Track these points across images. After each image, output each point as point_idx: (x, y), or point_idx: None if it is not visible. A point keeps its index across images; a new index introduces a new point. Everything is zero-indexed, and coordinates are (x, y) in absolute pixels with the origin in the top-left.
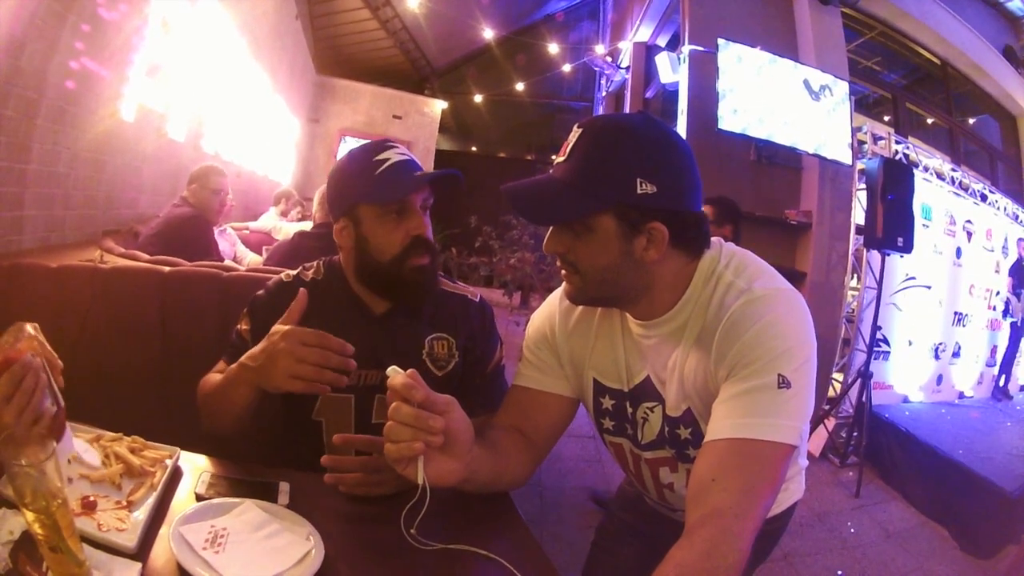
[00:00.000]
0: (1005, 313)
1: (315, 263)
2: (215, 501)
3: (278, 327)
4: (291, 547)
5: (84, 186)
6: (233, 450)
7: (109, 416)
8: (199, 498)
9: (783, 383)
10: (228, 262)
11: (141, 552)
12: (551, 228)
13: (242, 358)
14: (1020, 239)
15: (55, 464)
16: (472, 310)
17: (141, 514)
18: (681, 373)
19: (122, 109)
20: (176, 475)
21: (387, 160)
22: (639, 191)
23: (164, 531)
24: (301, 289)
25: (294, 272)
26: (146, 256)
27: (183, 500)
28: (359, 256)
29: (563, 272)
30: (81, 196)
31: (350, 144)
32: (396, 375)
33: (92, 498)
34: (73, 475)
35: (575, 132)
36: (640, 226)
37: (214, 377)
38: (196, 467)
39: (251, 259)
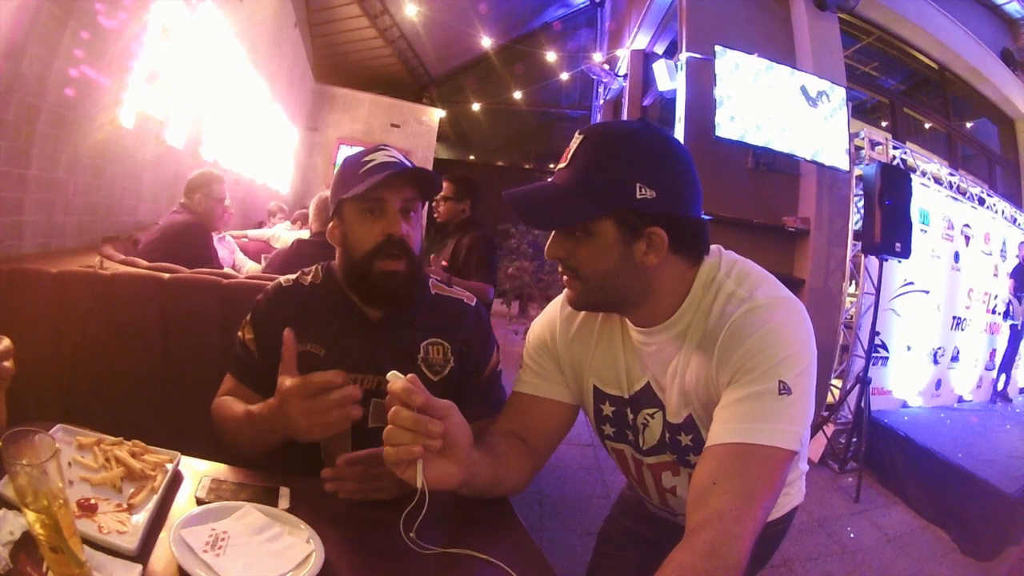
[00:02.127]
0: (1006, 315)
1: (314, 267)
2: (215, 505)
3: (283, 384)
4: (291, 550)
5: (84, 192)
6: (233, 455)
7: (110, 420)
8: (199, 502)
9: (784, 389)
10: (227, 270)
11: (142, 555)
12: (553, 233)
13: (266, 413)
14: (1022, 242)
15: (56, 464)
16: (468, 314)
17: (142, 517)
18: (682, 379)
19: (121, 116)
20: (176, 479)
21: (373, 160)
22: (638, 196)
23: (164, 535)
24: (287, 331)
25: (293, 276)
26: (145, 263)
27: (183, 504)
28: (342, 254)
29: (564, 278)
30: (81, 202)
31: (348, 152)
32: (396, 379)
33: (93, 501)
34: (74, 478)
35: (576, 138)
36: (640, 231)
37: (231, 405)
38: (196, 471)
39: (250, 267)
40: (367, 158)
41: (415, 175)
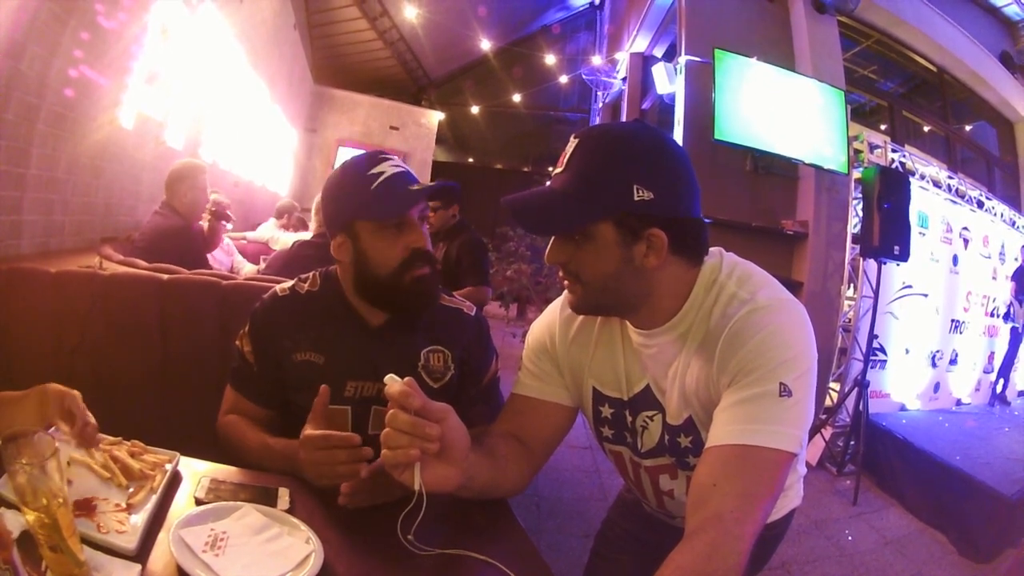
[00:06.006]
0: (1007, 318)
1: (311, 275)
2: (215, 505)
3: (305, 431)
4: (291, 551)
5: (83, 192)
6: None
7: (109, 420)
8: (199, 502)
9: (784, 391)
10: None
11: (141, 554)
12: (552, 239)
13: (288, 452)
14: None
15: (56, 463)
16: (468, 323)
17: (141, 517)
18: (682, 381)
19: (121, 116)
20: (176, 479)
21: (382, 174)
22: (636, 198)
23: (163, 535)
24: (323, 387)
25: (290, 284)
26: (144, 263)
27: (183, 504)
28: (358, 271)
29: (565, 282)
30: (80, 202)
31: (347, 154)
32: (393, 383)
33: (92, 500)
34: (73, 477)
35: (572, 142)
36: (639, 233)
37: (244, 431)
38: (195, 472)
39: (248, 270)
40: (375, 171)
41: (436, 189)
